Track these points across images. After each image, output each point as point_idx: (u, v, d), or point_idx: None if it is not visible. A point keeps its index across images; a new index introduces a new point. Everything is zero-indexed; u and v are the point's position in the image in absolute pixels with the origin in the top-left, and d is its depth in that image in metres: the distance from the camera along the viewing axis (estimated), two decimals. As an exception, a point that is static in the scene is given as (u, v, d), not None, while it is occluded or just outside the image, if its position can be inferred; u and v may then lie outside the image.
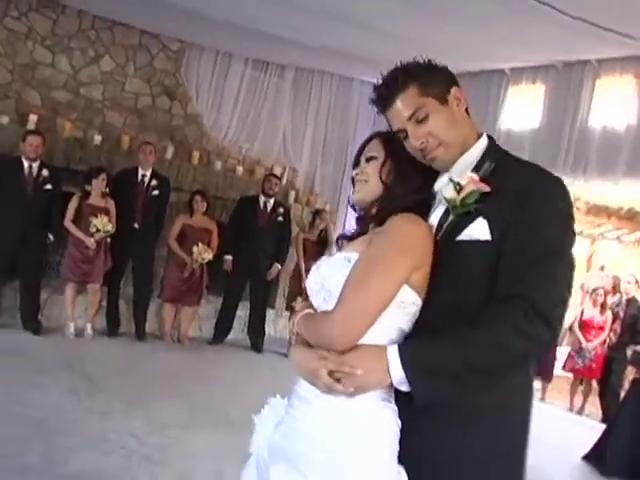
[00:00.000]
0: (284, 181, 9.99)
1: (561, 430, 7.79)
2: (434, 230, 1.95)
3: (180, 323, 8.67)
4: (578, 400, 9.41)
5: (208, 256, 8.27)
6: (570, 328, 9.70)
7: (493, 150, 2.03)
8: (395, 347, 1.78)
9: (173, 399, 6.02)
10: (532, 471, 5.93)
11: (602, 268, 13.80)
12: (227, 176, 9.62)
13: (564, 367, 9.60)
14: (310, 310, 1.99)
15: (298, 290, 8.42)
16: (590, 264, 15.24)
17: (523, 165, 1.98)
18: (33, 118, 8.26)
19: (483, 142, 2.04)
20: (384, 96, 2.01)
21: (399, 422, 1.87)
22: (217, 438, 5.02)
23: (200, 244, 8.22)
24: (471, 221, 1.87)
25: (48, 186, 7.41)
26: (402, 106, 1.97)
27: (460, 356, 1.75)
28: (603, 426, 7.02)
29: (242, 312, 8.96)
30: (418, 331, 1.89)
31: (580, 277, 13.65)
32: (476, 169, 1.95)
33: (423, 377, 1.76)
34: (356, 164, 2.14)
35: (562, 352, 9.96)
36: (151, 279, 8.37)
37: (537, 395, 9.50)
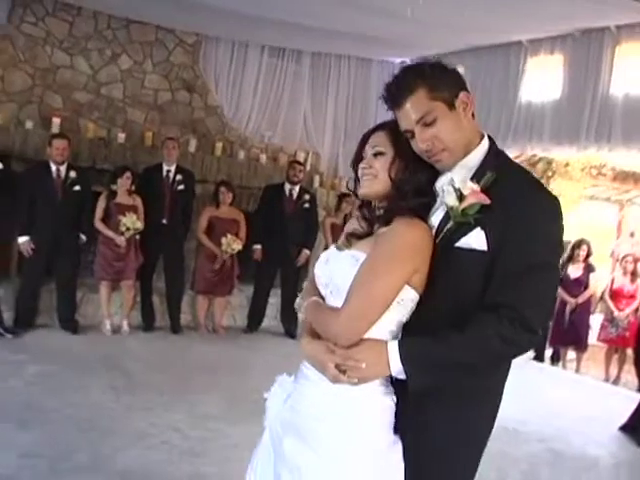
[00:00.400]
0: (308, 166, 10.06)
1: (597, 401, 7.80)
2: (434, 231, 2.08)
3: (214, 314, 8.81)
4: (614, 370, 9.41)
5: (237, 246, 8.38)
6: (601, 297, 9.70)
7: (493, 153, 2.13)
8: (395, 344, 1.99)
9: (212, 390, 6.16)
10: (569, 443, 5.98)
11: (632, 234, 13.71)
12: (251, 165, 9.73)
13: (598, 338, 9.60)
14: (318, 299, 2.18)
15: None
16: (620, 231, 15.15)
17: (521, 178, 2.09)
18: (56, 121, 8.41)
19: (485, 145, 2.13)
20: (394, 96, 2.08)
21: (394, 398, 2.10)
22: (258, 428, 5.07)
23: (229, 235, 8.33)
24: (469, 230, 2.00)
25: (77, 187, 7.56)
26: (411, 108, 2.05)
27: (451, 357, 1.97)
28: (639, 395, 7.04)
29: (274, 299, 9.08)
30: (418, 328, 2.06)
31: (610, 244, 13.60)
32: (477, 175, 2.06)
33: (418, 372, 1.97)
34: (359, 157, 2.22)
35: (596, 320, 9.96)
36: (182, 273, 8.51)
37: (572, 366, 9.53)
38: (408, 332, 2.09)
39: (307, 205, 8.84)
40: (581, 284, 9.26)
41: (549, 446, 5.85)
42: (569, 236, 9.78)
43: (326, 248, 2.36)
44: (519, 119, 8.23)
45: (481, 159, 2.10)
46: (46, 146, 7.54)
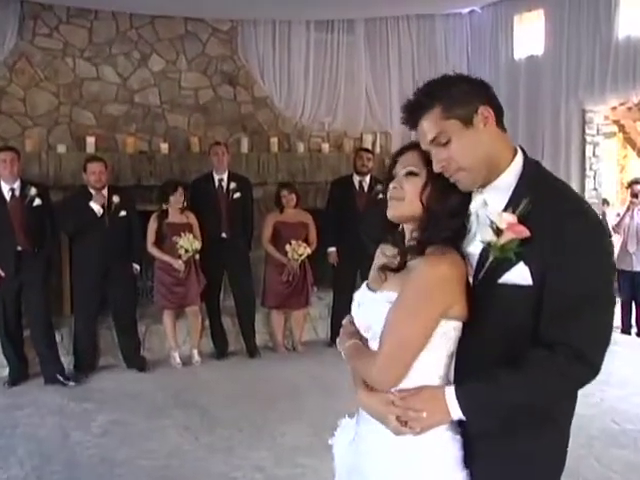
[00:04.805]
0: (377, 149, 10.18)
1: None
2: (475, 264, 2.23)
3: (292, 329, 8.94)
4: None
5: (305, 251, 8.48)
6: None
7: (529, 170, 2.22)
8: (452, 390, 2.15)
9: (297, 420, 6.31)
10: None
11: None
12: (313, 158, 9.88)
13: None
14: (357, 342, 2.36)
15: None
16: None
17: (560, 202, 2.16)
18: (91, 140, 8.67)
19: (518, 162, 2.23)
20: (410, 116, 2.24)
21: (459, 431, 2.25)
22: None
23: (293, 241, 8.45)
24: (512, 265, 2.12)
25: (122, 213, 7.74)
26: (426, 128, 2.18)
27: (509, 399, 2.13)
28: None
29: (358, 305, 9.13)
30: (468, 365, 2.25)
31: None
32: (513, 201, 2.16)
33: (478, 417, 2.15)
34: (390, 175, 2.36)
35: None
36: (252, 289, 8.66)
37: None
38: (460, 369, 2.28)
39: (381, 196, 8.74)
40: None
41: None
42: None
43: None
44: (617, 60, 8.11)
45: (516, 179, 2.20)
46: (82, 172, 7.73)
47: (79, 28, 8.97)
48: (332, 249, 8.87)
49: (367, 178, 8.95)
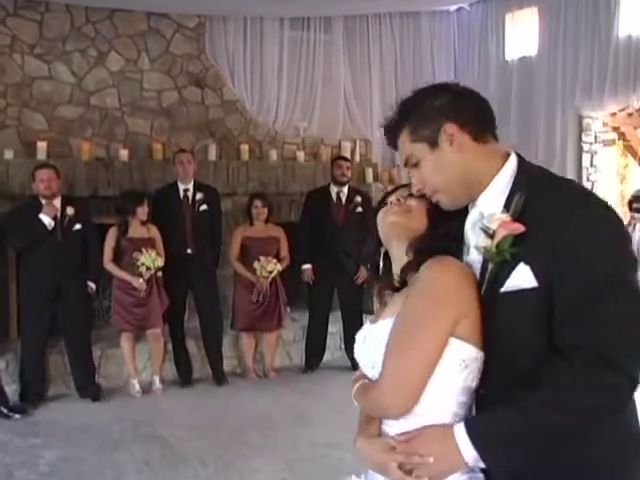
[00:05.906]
0: (357, 157, 10.21)
1: None
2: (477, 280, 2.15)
3: (263, 354, 8.87)
4: None
5: (274, 267, 8.41)
6: None
7: (524, 173, 2.16)
8: (461, 426, 1.99)
9: (270, 454, 6.21)
10: None
11: None
12: (287, 167, 9.86)
13: None
14: (365, 381, 2.22)
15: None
16: None
17: (557, 192, 2.10)
18: (42, 145, 8.53)
19: (511, 165, 2.17)
20: (389, 137, 2.31)
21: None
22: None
23: (262, 257, 8.38)
24: (512, 269, 2.02)
25: (77, 226, 7.62)
26: (400, 149, 2.27)
27: (531, 425, 1.94)
28: None
29: (335, 327, 9.10)
30: (478, 396, 2.12)
31: None
32: (508, 203, 2.10)
33: (496, 455, 1.97)
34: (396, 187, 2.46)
35: None
36: (219, 309, 8.59)
37: None
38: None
39: (360, 209, 8.83)
40: None
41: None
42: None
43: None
44: (617, 62, 8.20)
45: (509, 184, 2.14)
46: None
47: (28, 21, 8.83)
48: (307, 266, 8.80)
49: (345, 189, 8.91)
